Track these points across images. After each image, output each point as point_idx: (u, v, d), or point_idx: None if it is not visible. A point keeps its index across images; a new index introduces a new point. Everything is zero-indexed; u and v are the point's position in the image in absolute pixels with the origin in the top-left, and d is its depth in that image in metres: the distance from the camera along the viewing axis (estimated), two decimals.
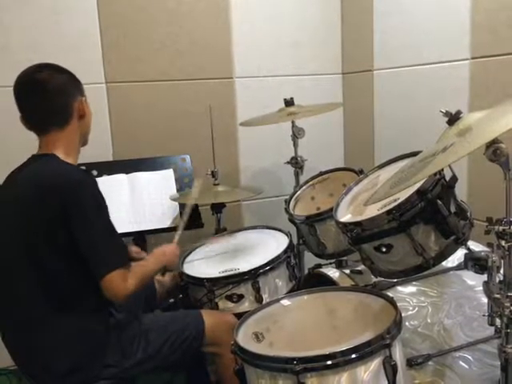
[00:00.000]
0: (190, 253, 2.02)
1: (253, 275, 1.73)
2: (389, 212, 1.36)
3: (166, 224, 2.08)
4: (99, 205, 1.42)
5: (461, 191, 1.68)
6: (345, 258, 1.87)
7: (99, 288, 1.48)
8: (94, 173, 2.14)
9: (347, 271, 1.78)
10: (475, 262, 1.26)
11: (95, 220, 1.40)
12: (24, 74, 1.49)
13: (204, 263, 1.92)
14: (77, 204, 1.38)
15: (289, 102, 2.21)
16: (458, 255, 1.53)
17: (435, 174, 1.36)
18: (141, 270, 1.52)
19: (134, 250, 1.90)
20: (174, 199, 2.08)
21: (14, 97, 1.48)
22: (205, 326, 1.61)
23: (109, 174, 2.14)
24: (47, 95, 1.47)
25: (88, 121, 1.58)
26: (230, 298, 1.74)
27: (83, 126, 1.55)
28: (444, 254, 1.41)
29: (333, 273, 1.79)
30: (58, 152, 1.47)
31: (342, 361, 1.12)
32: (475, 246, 1.57)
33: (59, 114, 1.49)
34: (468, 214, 1.44)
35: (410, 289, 1.56)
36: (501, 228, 1.12)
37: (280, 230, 2.04)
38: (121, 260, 1.43)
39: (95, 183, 1.45)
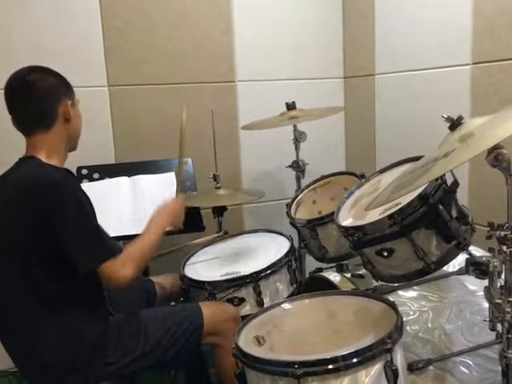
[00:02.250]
0: (192, 256, 2.02)
1: (254, 279, 1.73)
2: (390, 216, 1.36)
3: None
4: (79, 202, 1.40)
5: (462, 196, 1.69)
6: (346, 261, 1.87)
7: (94, 287, 1.48)
8: (96, 175, 2.14)
9: (348, 275, 1.78)
10: (476, 267, 1.26)
11: (77, 218, 1.39)
12: (15, 76, 1.50)
13: (205, 266, 1.93)
14: (57, 204, 1.37)
15: (290, 106, 2.22)
16: (459, 260, 1.53)
17: (437, 179, 1.36)
18: (137, 249, 1.50)
19: None
20: None
21: (4, 98, 1.49)
22: (203, 317, 1.60)
23: (111, 177, 2.14)
24: (33, 97, 1.47)
25: (75, 125, 1.57)
26: (231, 301, 1.74)
27: (70, 130, 1.54)
28: (445, 259, 1.41)
29: (334, 277, 1.79)
30: (41, 154, 1.48)
31: (343, 365, 1.12)
32: (476, 251, 1.57)
33: (44, 117, 1.49)
34: (469, 218, 1.44)
35: (410, 293, 1.56)
36: (502, 233, 1.12)
37: (281, 234, 2.04)
38: (108, 251, 1.42)
39: (74, 182, 1.45)
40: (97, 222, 1.44)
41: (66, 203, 1.38)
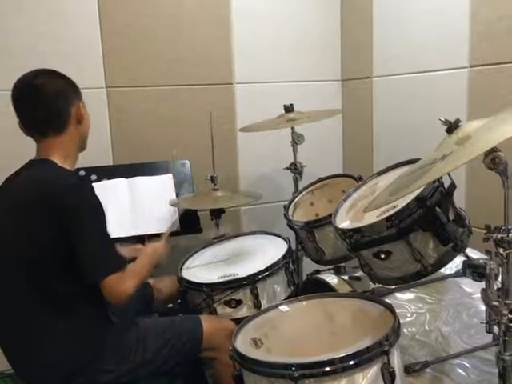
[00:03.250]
0: (189, 258, 2.02)
1: (251, 281, 1.73)
2: (388, 219, 1.37)
3: (165, 229, 2.08)
4: (94, 209, 1.41)
5: (459, 199, 1.68)
6: (343, 264, 1.87)
7: (96, 293, 1.48)
8: (94, 177, 2.14)
9: (346, 277, 1.78)
10: (473, 270, 1.26)
11: (90, 225, 1.39)
12: (21, 80, 1.49)
13: (203, 268, 1.92)
14: (71, 209, 1.37)
15: (288, 108, 2.22)
16: (456, 262, 1.54)
17: (434, 182, 1.36)
18: (137, 270, 1.53)
19: (138, 247, 1.91)
20: (173, 204, 2.09)
21: (11, 103, 1.48)
22: (203, 332, 1.61)
23: (108, 179, 2.14)
24: (44, 101, 1.47)
25: (86, 126, 1.57)
26: (228, 303, 1.74)
27: (81, 130, 1.55)
28: (442, 261, 1.42)
29: (331, 279, 1.79)
30: (55, 157, 1.47)
31: (340, 367, 1.12)
32: (473, 254, 1.58)
33: (57, 120, 1.48)
34: (466, 221, 1.44)
35: (408, 295, 1.56)
36: (499, 236, 1.12)
37: (279, 236, 2.04)
38: (118, 264, 1.44)
39: (90, 188, 1.45)
40: (108, 232, 1.44)
41: (82, 208, 1.38)
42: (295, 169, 2.33)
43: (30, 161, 1.51)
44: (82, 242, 1.38)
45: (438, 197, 1.37)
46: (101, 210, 1.43)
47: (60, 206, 1.37)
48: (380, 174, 1.72)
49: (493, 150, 1.06)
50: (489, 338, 1.34)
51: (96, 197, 1.44)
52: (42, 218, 1.37)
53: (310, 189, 2.18)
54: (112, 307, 1.66)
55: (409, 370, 1.36)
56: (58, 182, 1.41)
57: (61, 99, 1.49)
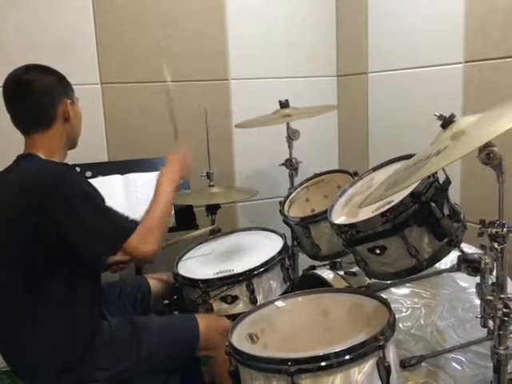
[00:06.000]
0: (185, 254, 2.02)
1: (247, 276, 1.73)
2: (383, 214, 1.37)
3: None
4: (85, 193, 1.40)
5: (454, 194, 1.69)
6: (339, 259, 1.88)
7: (89, 289, 1.48)
8: (89, 174, 2.13)
9: (341, 273, 1.78)
10: (468, 264, 1.27)
11: (82, 208, 1.38)
12: (12, 75, 1.49)
13: (199, 264, 1.92)
14: (58, 200, 1.36)
15: (284, 104, 2.21)
16: (451, 257, 1.54)
17: (429, 177, 1.37)
18: (153, 219, 1.48)
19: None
20: None
21: (2, 96, 1.49)
22: (199, 331, 1.60)
23: (104, 175, 2.14)
24: (31, 97, 1.46)
25: (75, 124, 1.56)
26: (224, 299, 1.74)
27: (69, 129, 1.53)
28: (437, 256, 1.42)
29: (327, 274, 1.79)
30: (40, 153, 1.47)
31: (335, 362, 1.12)
32: (468, 248, 1.58)
33: (42, 116, 1.48)
34: (461, 216, 1.45)
35: (403, 290, 1.57)
36: (494, 230, 1.13)
37: (274, 232, 2.04)
38: (126, 228, 1.43)
39: (75, 175, 1.44)
40: (106, 206, 1.43)
41: (68, 197, 1.37)
42: (291, 165, 2.33)
43: (17, 156, 1.51)
44: (80, 226, 1.37)
45: (433, 192, 1.37)
46: (92, 190, 1.42)
47: (46, 198, 1.36)
48: (375, 169, 1.72)
49: (487, 145, 1.06)
50: (484, 332, 1.35)
51: (83, 181, 1.43)
52: (30, 211, 1.36)
53: (305, 185, 2.18)
54: (107, 305, 1.66)
55: (404, 364, 1.37)
56: (40, 175, 1.40)
57: (46, 96, 1.48)
